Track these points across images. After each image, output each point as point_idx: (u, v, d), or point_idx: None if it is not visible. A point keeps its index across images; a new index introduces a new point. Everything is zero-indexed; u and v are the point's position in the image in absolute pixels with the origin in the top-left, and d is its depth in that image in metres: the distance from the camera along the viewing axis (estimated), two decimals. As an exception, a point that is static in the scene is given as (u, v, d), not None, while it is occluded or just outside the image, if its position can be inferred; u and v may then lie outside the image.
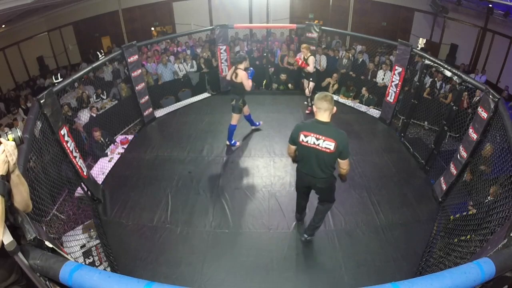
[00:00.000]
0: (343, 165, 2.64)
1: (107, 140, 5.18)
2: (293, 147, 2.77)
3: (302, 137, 2.59)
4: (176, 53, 7.97)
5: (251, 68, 4.46)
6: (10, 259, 1.30)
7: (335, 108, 2.57)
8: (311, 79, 5.71)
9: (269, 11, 9.93)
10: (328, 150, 2.54)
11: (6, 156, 1.22)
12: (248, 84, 4.33)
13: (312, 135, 2.55)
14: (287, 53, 7.56)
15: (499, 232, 2.01)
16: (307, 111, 5.96)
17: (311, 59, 5.44)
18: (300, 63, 5.53)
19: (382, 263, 3.14)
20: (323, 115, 2.55)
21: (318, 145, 2.55)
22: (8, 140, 1.26)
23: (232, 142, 4.94)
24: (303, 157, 2.73)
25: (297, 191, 3.25)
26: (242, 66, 4.34)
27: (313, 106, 2.63)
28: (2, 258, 1.30)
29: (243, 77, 4.29)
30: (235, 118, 4.71)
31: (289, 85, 7.15)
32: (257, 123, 5.40)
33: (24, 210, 1.41)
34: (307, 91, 5.84)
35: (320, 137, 2.53)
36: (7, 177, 1.25)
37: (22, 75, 9.88)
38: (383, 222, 3.60)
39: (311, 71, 5.53)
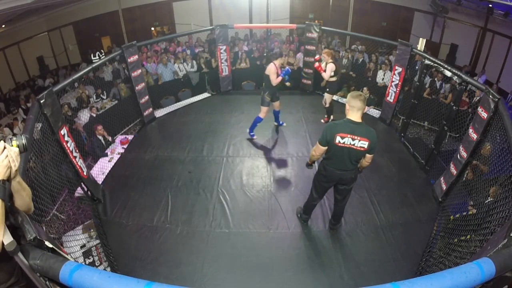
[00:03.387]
0: (369, 159, 2.77)
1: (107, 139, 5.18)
2: (324, 148, 2.76)
3: (338, 138, 2.63)
4: (176, 53, 7.96)
5: (287, 68, 4.68)
6: (10, 262, 1.30)
7: (366, 107, 2.58)
8: (327, 89, 5.22)
9: (269, 11, 9.95)
10: (362, 149, 2.65)
11: (9, 161, 1.21)
12: (273, 78, 4.55)
13: (348, 136, 2.61)
14: (287, 53, 7.56)
15: (499, 232, 2.01)
16: (322, 120, 5.64)
17: (329, 67, 4.93)
18: (317, 65, 5.06)
19: (382, 263, 3.14)
20: (356, 115, 2.61)
21: (354, 145, 2.63)
22: (12, 146, 1.24)
23: (252, 133, 5.07)
24: (335, 156, 2.76)
25: (319, 191, 3.14)
26: (277, 62, 4.58)
27: (346, 104, 2.66)
28: (3, 262, 1.30)
29: (271, 71, 4.54)
30: (262, 111, 4.84)
31: (287, 84, 7.11)
32: (281, 122, 5.44)
33: (25, 212, 1.41)
34: (323, 102, 5.44)
35: (356, 137, 2.61)
36: (8, 181, 1.24)
37: (22, 75, 9.88)
38: (383, 222, 3.60)
39: (326, 78, 5.06)
